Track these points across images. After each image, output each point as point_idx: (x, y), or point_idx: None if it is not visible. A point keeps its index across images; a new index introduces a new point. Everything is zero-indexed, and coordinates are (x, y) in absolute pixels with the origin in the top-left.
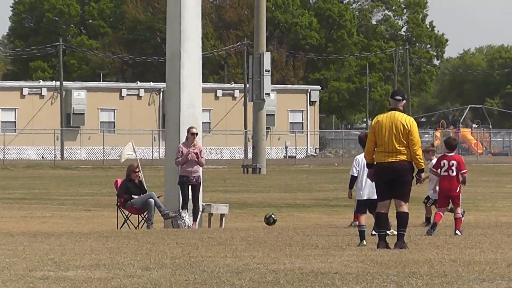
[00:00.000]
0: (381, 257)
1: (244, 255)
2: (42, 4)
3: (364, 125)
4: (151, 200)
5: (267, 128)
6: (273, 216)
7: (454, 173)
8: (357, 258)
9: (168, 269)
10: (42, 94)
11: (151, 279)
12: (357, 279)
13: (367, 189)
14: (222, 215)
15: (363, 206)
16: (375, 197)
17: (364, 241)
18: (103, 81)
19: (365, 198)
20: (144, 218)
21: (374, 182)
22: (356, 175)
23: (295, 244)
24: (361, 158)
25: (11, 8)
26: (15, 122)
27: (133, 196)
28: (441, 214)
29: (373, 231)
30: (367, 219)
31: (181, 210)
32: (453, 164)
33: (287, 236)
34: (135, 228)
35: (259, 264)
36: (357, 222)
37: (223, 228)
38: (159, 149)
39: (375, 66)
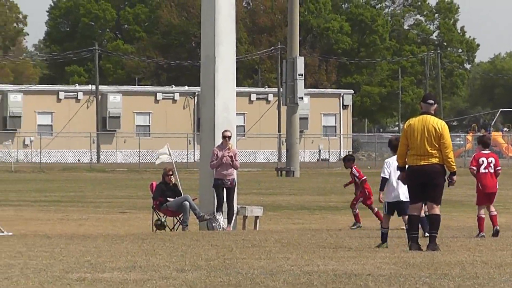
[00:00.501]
0: (413, 259)
1: (278, 257)
2: (77, 9)
3: (396, 128)
4: (186, 202)
5: (300, 132)
6: (161, 220)
7: (493, 170)
8: (389, 260)
9: (203, 271)
10: (78, 98)
11: (186, 280)
12: (390, 281)
13: (397, 191)
14: (256, 218)
15: (391, 208)
16: (405, 199)
17: (386, 243)
18: (138, 85)
19: (395, 200)
20: (179, 221)
21: (406, 185)
22: (387, 177)
23: (328, 246)
24: (392, 160)
25: (47, 13)
26: (51, 125)
27: (168, 198)
28: (483, 216)
29: (426, 233)
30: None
31: (215, 212)
32: (491, 161)
33: (321, 238)
34: (171, 230)
35: (293, 266)
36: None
37: (257, 230)
38: (194, 152)
39: (407, 70)
